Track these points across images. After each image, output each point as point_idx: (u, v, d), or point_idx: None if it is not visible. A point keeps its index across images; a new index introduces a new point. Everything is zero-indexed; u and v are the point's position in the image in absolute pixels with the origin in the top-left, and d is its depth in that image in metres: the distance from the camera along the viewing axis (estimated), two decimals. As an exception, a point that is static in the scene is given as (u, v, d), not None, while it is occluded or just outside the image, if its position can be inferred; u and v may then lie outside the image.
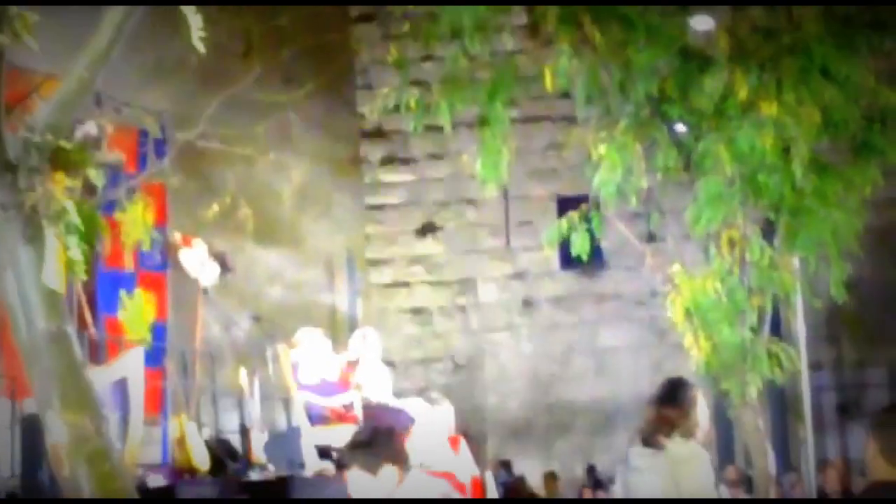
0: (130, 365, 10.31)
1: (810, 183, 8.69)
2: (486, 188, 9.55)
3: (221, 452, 10.35)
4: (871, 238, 15.42)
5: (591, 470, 16.75)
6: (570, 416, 18.29)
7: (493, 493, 9.30)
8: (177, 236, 11.27)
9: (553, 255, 16.71)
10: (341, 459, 5.63)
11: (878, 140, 8.96)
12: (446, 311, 18.83)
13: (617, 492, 5.70)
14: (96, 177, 5.41)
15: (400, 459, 4.95)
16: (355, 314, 17.53)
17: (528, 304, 18.72)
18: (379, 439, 5.10)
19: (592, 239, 9.55)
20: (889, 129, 9.00)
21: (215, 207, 11.16)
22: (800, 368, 9.87)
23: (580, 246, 9.38)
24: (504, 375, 18.53)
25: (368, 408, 10.07)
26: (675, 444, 5.44)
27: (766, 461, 9.54)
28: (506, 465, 16.22)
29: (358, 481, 4.90)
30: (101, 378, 8.80)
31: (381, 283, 18.89)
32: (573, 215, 9.39)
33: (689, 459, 5.46)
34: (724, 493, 12.66)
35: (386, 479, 4.82)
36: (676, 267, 9.37)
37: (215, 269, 10.87)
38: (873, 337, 18.99)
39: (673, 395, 5.59)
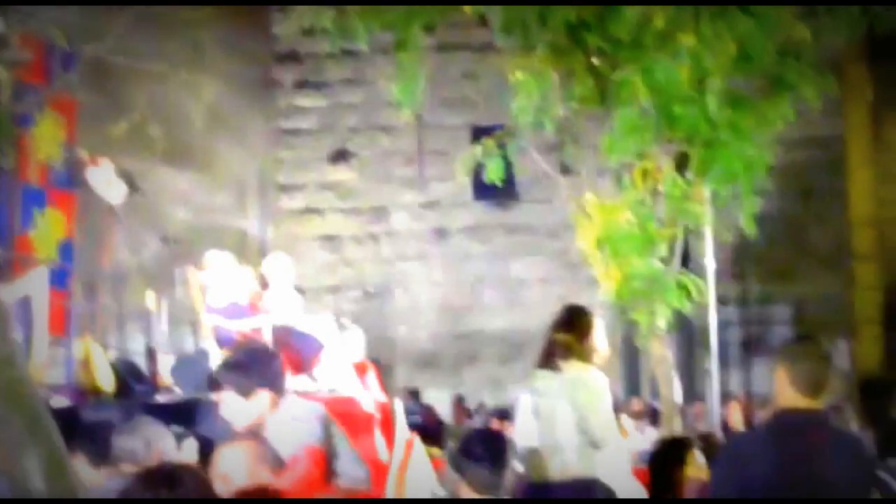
0: (35, 284, 10.12)
1: (724, 116, 8.70)
2: (401, 113, 9.46)
3: (127, 374, 10.21)
4: (780, 177, 15.67)
5: (459, 400, 16.86)
6: (479, 347, 18.39)
7: (401, 420, 9.29)
8: (84, 154, 11.03)
9: (466, 185, 16.66)
10: (215, 379, 5.49)
11: (791, 75, 8.99)
12: (358, 239, 18.76)
13: (518, 416, 5.74)
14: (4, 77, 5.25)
15: (276, 385, 4.85)
16: (266, 239, 17.39)
17: (440, 233, 18.71)
18: (255, 362, 4.98)
19: (507, 167, 9.52)
20: (803, 64, 9.04)
21: (124, 126, 10.94)
22: (708, 301, 9.95)
23: (494, 172, 9.35)
24: (414, 305, 18.54)
25: (277, 332, 10.00)
26: (573, 368, 5.56)
27: (672, 391, 9.66)
28: (414, 393, 16.28)
29: (229, 404, 4.79)
30: (3, 295, 8.63)
31: (292, 209, 18.74)
32: (487, 141, 9.36)
33: (587, 382, 5.57)
34: (628, 423, 12.86)
35: (258, 404, 4.72)
36: (589, 196, 9.38)
37: (123, 188, 10.65)
38: (779, 274, 19.32)
39: (570, 321, 5.71)
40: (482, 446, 4.74)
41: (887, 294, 20.23)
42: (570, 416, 5.50)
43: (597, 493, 5.46)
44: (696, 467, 6.16)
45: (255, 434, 4.55)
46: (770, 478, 4.41)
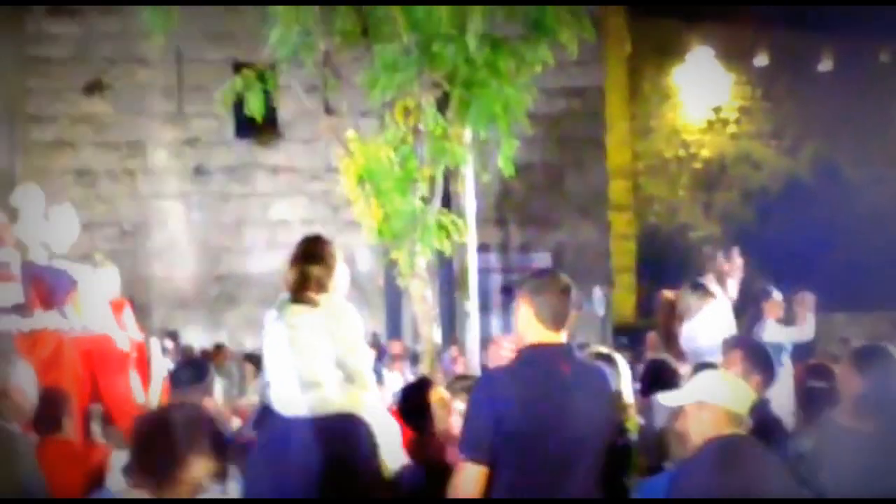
0: None
1: (484, 56, 8.74)
2: (152, 40, 9.14)
3: None
4: (542, 125, 15.97)
5: (173, 335, 16.57)
6: (240, 288, 18.15)
7: (157, 359, 9.06)
8: None
9: (227, 121, 16.38)
10: None
11: (550, 19, 9.09)
12: (114, 175, 18.18)
13: (268, 351, 5.61)
14: None
15: None
16: (14, 171, 16.64)
17: (199, 171, 18.32)
18: None
19: (268, 104, 9.32)
20: (562, 10, 9.16)
21: None
22: (468, 241, 10.03)
23: (254, 106, 9.14)
24: (173, 244, 18.15)
25: (28, 267, 9.56)
26: (324, 299, 5.46)
27: (432, 332, 9.71)
28: (172, 334, 15.97)
29: None
30: None
31: (43, 141, 17.97)
32: (247, 73, 9.14)
33: (344, 315, 5.48)
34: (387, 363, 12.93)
35: None
36: (351, 133, 9.29)
37: None
38: (539, 221, 19.74)
39: (319, 253, 5.60)
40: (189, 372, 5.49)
41: (641, 244, 20.98)
42: (329, 349, 5.40)
43: (357, 428, 5.39)
44: (443, 404, 6.21)
45: None
46: (518, 408, 4.46)
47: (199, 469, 3.66)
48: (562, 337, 4.64)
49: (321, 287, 5.48)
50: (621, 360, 5.51)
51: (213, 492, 4.25)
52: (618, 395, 4.91)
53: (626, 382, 5.34)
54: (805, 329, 10.20)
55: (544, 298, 4.60)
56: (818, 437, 5.28)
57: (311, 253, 5.62)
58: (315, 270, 5.50)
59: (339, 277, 5.61)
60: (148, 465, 3.66)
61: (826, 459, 4.95)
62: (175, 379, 5.56)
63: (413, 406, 6.28)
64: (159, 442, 3.65)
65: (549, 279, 4.75)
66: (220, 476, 3.75)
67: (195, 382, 6.27)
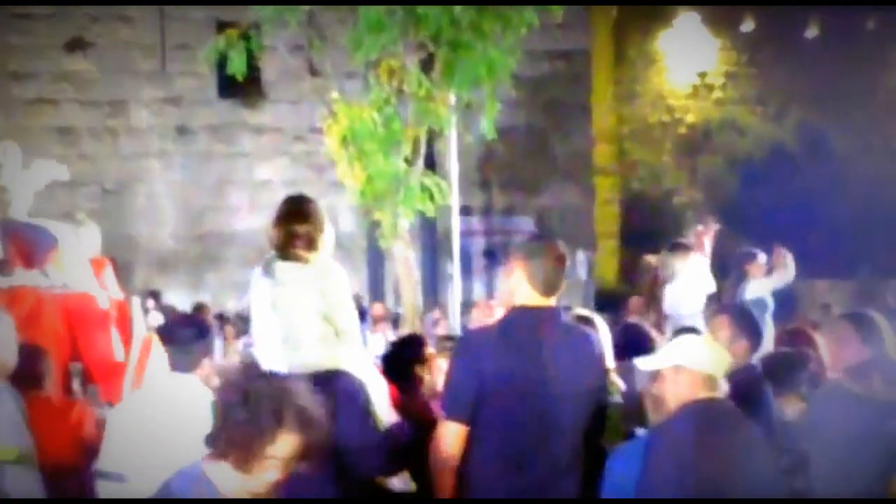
0: None
1: (469, 18, 8.72)
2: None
3: None
4: (527, 89, 15.92)
5: (155, 294, 16.48)
6: (222, 249, 18.10)
7: (138, 318, 9.03)
8: None
9: (210, 81, 16.26)
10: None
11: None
12: (96, 133, 18.05)
13: (256, 308, 5.58)
14: None
15: None
16: (-6, 130, 16.55)
17: (182, 131, 18.21)
18: None
19: (252, 63, 9.26)
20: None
21: None
22: (451, 203, 10.03)
23: (237, 66, 9.07)
24: (155, 204, 18.07)
25: (7, 225, 9.50)
26: (317, 259, 5.44)
27: (414, 294, 9.71)
28: (154, 294, 15.92)
29: None
30: None
31: (24, 99, 17.82)
32: (231, 32, 9.08)
33: (332, 273, 5.46)
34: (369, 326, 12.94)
35: None
36: (335, 94, 9.25)
37: None
38: (523, 185, 19.72)
39: (305, 211, 5.57)
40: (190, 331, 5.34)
41: (625, 208, 20.97)
42: (317, 306, 5.39)
43: (350, 384, 5.38)
44: (430, 364, 6.23)
45: None
46: (499, 368, 4.47)
47: (285, 446, 3.46)
48: (551, 302, 4.64)
49: (309, 244, 5.47)
50: (601, 323, 5.51)
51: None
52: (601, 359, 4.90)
53: (606, 345, 5.33)
54: (785, 273, 10.21)
55: (539, 264, 4.60)
56: (814, 400, 5.30)
57: (297, 211, 5.60)
58: (302, 228, 5.48)
59: (326, 236, 5.60)
60: (231, 438, 3.48)
61: (820, 423, 4.97)
62: (173, 336, 5.51)
63: (402, 362, 6.30)
64: (245, 413, 3.46)
65: (545, 246, 4.76)
66: (308, 456, 3.51)
67: (196, 341, 6.27)
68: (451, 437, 4.51)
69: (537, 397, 4.52)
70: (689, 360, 4.31)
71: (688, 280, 10.21)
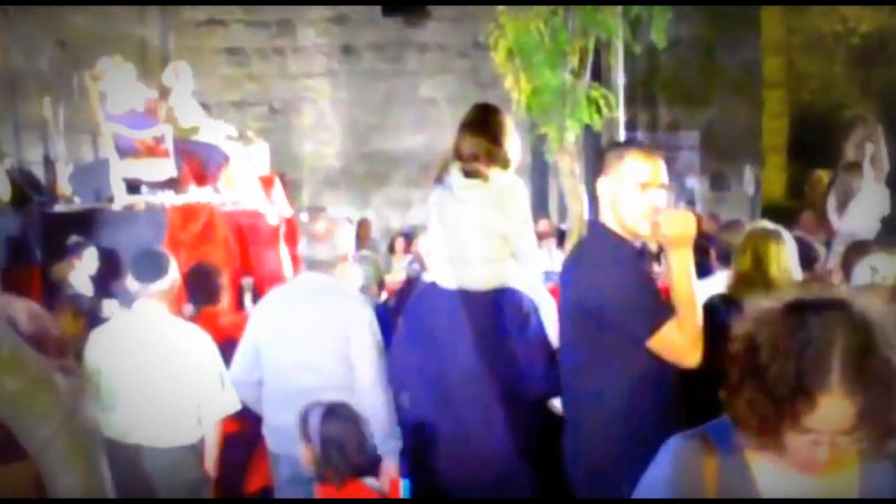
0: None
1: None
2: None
3: (24, 184, 9.95)
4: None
5: (362, 223, 16.68)
6: (386, 167, 18.23)
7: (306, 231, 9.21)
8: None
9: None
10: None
11: None
12: (263, 54, 18.27)
13: (431, 224, 5.48)
14: None
15: None
16: (167, 49, 16.86)
17: (348, 50, 18.30)
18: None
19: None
20: None
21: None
22: (617, 115, 9.90)
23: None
24: (321, 123, 18.26)
25: (181, 143, 9.75)
26: (495, 174, 5.29)
27: (581, 207, 9.65)
28: (320, 211, 16.16)
29: None
30: None
31: (195, 21, 18.11)
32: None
33: (511, 189, 5.29)
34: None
35: None
36: (501, 8, 9.19)
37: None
38: (689, 99, 19.34)
39: (485, 121, 5.39)
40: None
41: (794, 122, 20.42)
42: (496, 226, 5.26)
43: (521, 301, 5.30)
44: None
45: None
46: None
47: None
48: None
49: (490, 158, 5.29)
50: (787, 235, 5.28)
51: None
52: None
53: (793, 257, 5.14)
54: None
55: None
56: None
57: (481, 121, 5.40)
58: (484, 141, 5.30)
59: (511, 150, 5.41)
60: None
61: None
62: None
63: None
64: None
65: None
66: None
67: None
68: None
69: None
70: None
71: (863, 200, 9.90)
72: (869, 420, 2.15)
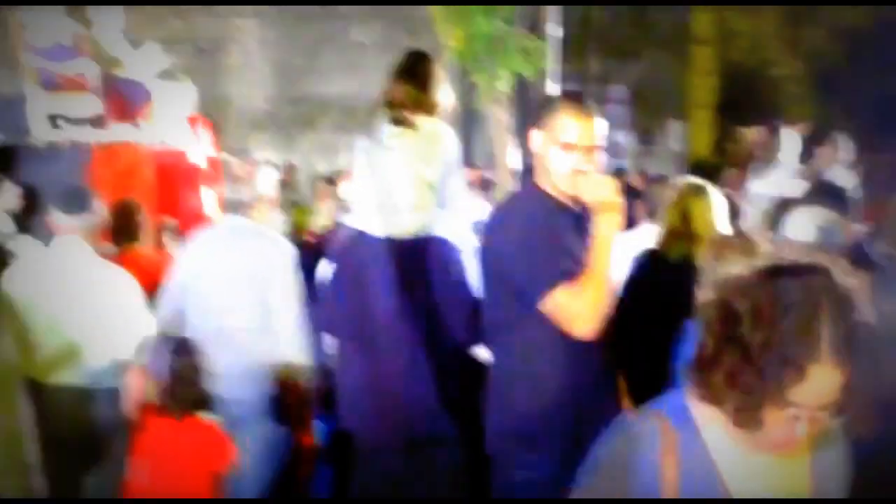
0: None
1: None
2: None
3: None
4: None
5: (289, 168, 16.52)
6: (314, 111, 18.06)
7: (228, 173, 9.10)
8: None
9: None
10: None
11: None
12: (190, -10, 17.96)
13: (356, 172, 5.41)
14: None
15: None
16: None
17: (277, -11, 18.06)
18: None
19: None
20: None
21: None
22: (548, 66, 9.87)
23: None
24: (249, 64, 18.02)
25: (106, 80, 9.57)
26: (423, 122, 5.23)
27: (507, 157, 9.66)
28: (244, 154, 15.99)
29: None
30: None
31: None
32: None
33: (439, 137, 5.24)
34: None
35: None
36: (435, -49, 9.10)
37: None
38: (620, 53, 19.39)
39: (415, 68, 5.33)
40: None
41: (722, 79, 20.53)
42: (423, 175, 5.20)
43: (449, 250, 5.26)
44: None
45: None
46: None
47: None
48: None
49: (419, 106, 5.23)
50: (715, 191, 5.29)
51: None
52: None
53: (721, 213, 5.16)
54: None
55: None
56: None
57: (410, 69, 5.34)
58: (415, 89, 5.24)
59: (441, 98, 5.34)
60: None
61: None
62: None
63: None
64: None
65: None
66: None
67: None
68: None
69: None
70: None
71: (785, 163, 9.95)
72: (851, 393, 2.08)
